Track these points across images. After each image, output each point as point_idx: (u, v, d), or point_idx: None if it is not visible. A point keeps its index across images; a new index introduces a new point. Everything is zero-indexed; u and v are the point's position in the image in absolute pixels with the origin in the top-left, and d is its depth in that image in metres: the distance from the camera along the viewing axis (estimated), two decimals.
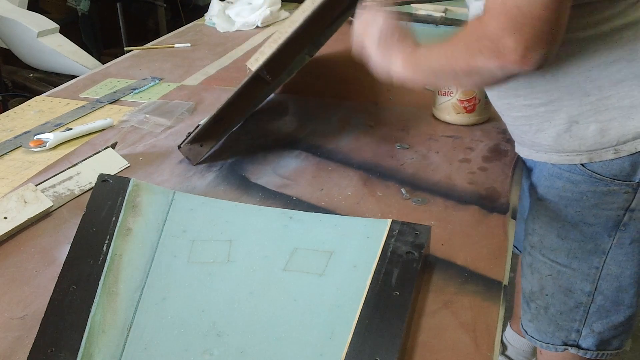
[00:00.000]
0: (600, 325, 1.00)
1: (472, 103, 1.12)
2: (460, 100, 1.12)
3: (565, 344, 1.04)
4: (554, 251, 0.97)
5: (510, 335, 1.55)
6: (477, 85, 0.91)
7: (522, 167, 1.03)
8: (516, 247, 1.31)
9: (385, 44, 0.88)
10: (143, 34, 3.35)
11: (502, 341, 1.56)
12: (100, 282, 0.67)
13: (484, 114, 1.15)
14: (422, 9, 1.97)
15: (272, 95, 1.31)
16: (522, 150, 0.99)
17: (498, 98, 0.95)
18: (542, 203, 0.96)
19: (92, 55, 2.15)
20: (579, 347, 1.03)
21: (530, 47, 0.67)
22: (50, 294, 0.66)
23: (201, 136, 1.02)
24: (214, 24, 1.91)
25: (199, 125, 1.05)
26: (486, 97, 1.11)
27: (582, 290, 0.97)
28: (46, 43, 2.02)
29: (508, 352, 1.55)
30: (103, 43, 3.33)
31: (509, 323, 1.57)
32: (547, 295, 1.01)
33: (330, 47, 1.71)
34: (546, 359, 1.15)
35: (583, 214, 0.92)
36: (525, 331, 1.08)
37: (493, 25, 0.68)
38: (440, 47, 0.80)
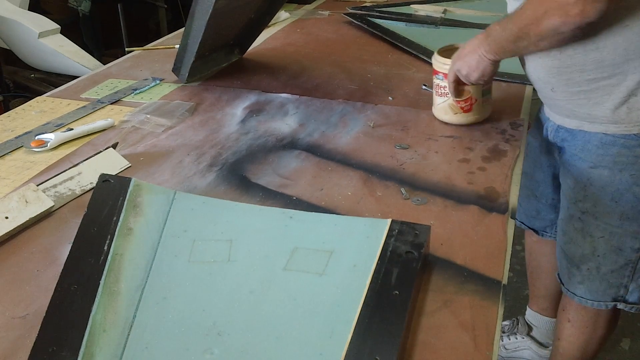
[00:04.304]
0: None
1: (468, 103, 1.12)
2: (457, 100, 1.12)
3: (615, 300, 1.13)
4: (607, 214, 1.04)
5: (532, 315, 1.59)
6: (552, 44, 0.94)
7: (521, 165, 1.04)
8: (524, 224, 1.40)
9: (465, 59, 1.05)
10: (144, 34, 3.35)
11: (526, 322, 1.60)
12: (101, 282, 0.67)
13: (481, 113, 1.15)
14: (421, 10, 1.98)
15: (272, 96, 1.32)
16: (570, 123, 1.05)
17: (558, 74, 1.00)
18: (595, 170, 1.03)
19: (93, 56, 2.15)
20: (626, 302, 1.13)
21: (589, 1, 0.82)
22: (52, 294, 0.66)
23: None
24: None
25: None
26: (483, 95, 1.13)
27: (632, 247, 1.06)
28: (47, 43, 2.02)
29: (533, 333, 1.60)
30: (104, 44, 3.33)
31: (527, 305, 1.59)
32: (598, 256, 1.09)
33: (332, 49, 1.72)
34: (578, 325, 1.22)
35: (636, 177, 1.00)
36: (574, 293, 1.16)
37: None
38: (510, 20, 0.94)
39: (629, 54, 0.92)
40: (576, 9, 0.83)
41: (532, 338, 1.58)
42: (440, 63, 1.13)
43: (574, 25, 0.85)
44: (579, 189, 1.07)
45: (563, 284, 1.18)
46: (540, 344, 1.58)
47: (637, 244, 1.06)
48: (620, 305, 1.13)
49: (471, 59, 1.03)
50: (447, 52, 1.16)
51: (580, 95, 0.99)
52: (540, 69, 1.03)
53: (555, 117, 1.09)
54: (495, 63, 1.03)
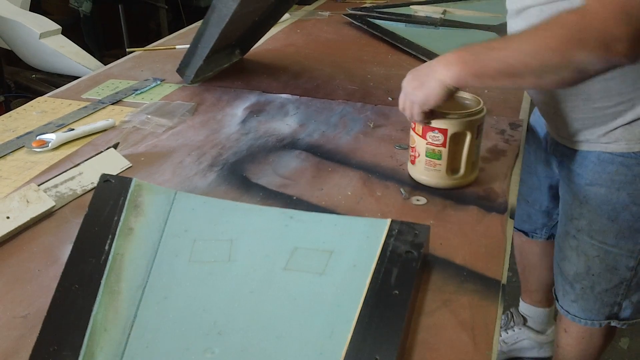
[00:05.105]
0: (637, 296, 1.08)
1: (413, 153, 0.94)
2: (410, 145, 0.96)
3: (608, 318, 1.11)
4: (603, 233, 1.02)
5: (526, 308, 1.61)
6: (558, 83, 0.76)
7: (520, 165, 1.04)
8: (521, 231, 1.40)
9: (417, 72, 0.85)
10: (145, 35, 3.36)
11: (520, 314, 1.62)
12: (102, 281, 0.67)
13: (425, 175, 0.93)
14: (421, 11, 1.98)
15: (272, 96, 1.32)
16: (571, 144, 1.03)
17: (562, 101, 0.98)
18: (592, 188, 1.01)
19: (94, 57, 2.15)
20: (618, 319, 1.11)
21: (638, 39, 0.66)
22: (53, 293, 0.66)
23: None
24: None
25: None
26: (427, 155, 0.91)
27: (627, 266, 1.04)
28: (48, 44, 2.02)
29: (529, 323, 1.61)
30: (105, 44, 3.34)
31: (520, 298, 1.62)
32: (593, 275, 1.07)
33: (333, 49, 1.72)
34: (574, 336, 1.21)
35: (634, 195, 0.97)
36: (567, 311, 1.14)
37: (602, 14, 0.67)
38: (519, 41, 0.76)
39: (637, 83, 0.90)
40: (621, 47, 0.66)
41: (529, 327, 1.60)
42: None
43: (610, 64, 0.70)
44: (575, 206, 1.05)
45: (557, 301, 1.17)
46: (537, 332, 1.61)
47: (632, 262, 1.04)
48: (613, 323, 1.12)
49: (422, 73, 0.83)
50: None
51: (585, 121, 0.97)
52: (542, 94, 1.01)
53: (556, 135, 1.08)
54: (450, 91, 0.80)
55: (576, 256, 1.08)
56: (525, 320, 1.60)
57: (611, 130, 0.95)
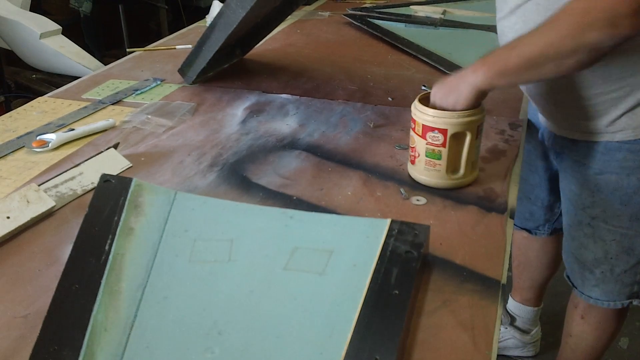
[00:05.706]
0: None
1: (413, 153, 0.95)
2: (410, 145, 0.97)
3: (630, 298, 1.15)
4: (617, 217, 1.06)
5: (515, 306, 1.62)
6: (577, 65, 0.82)
7: (520, 165, 1.04)
8: (524, 229, 1.42)
9: (445, 82, 0.90)
10: (145, 35, 3.36)
11: (508, 313, 1.63)
12: (103, 281, 0.68)
13: (425, 175, 0.94)
14: (421, 11, 1.98)
15: (272, 96, 1.32)
16: (573, 135, 1.05)
17: (563, 90, 0.99)
18: (602, 177, 1.03)
19: (94, 57, 2.16)
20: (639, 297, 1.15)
21: None
22: (53, 293, 0.66)
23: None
24: None
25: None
26: (427, 155, 0.92)
27: None
28: (49, 44, 2.02)
29: (517, 323, 1.63)
30: (105, 44, 3.34)
31: (510, 295, 1.61)
32: (611, 258, 1.11)
33: (333, 49, 1.72)
34: (592, 321, 1.23)
35: None
36: (589, 296, 1.18)
37: None
38: (534, 35, 0.83)
39: (637, 66, 0.92)
40: (627, 21, 0.74)
41: (516, 327, 1.61)
42: (419, 112, 0.91)
43: (620, 38, 0.77)
44: (586, 195, 1.07)
45: (576, 287, 1.20)
46: (523, 331, 1.62)
47: None
48: (635, 302, 1.16)
49: (451, 81, 0.88)
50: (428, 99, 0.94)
51: (587, 110, 0.99)
52: (542, 85, 1.02)
53: (555, 127, 1.09)
54: (480, 93, 0.87)
55: (593, 243, 1.11)
56: (513, 319, 1.62)
57: (616, 120, 0.97)
